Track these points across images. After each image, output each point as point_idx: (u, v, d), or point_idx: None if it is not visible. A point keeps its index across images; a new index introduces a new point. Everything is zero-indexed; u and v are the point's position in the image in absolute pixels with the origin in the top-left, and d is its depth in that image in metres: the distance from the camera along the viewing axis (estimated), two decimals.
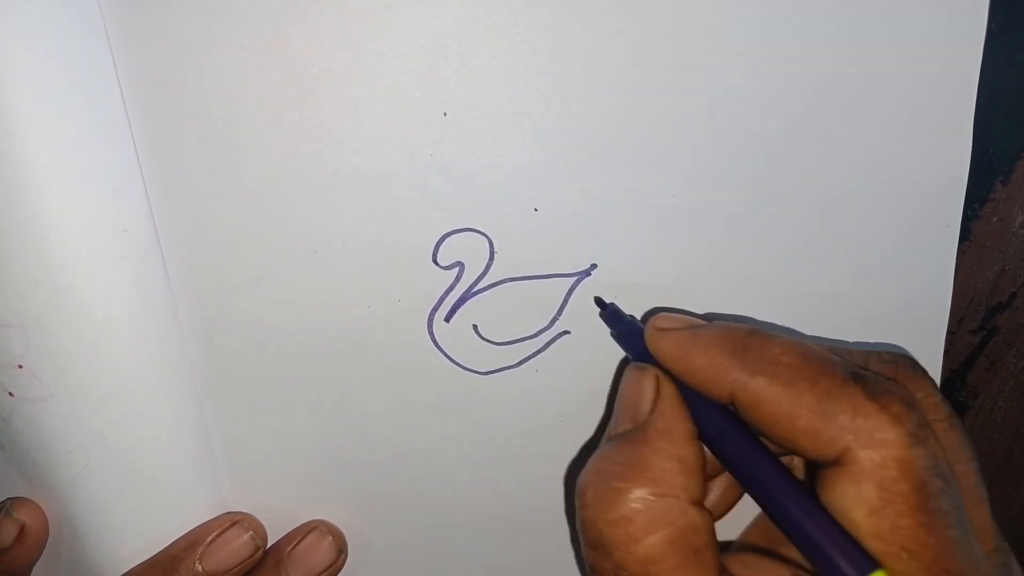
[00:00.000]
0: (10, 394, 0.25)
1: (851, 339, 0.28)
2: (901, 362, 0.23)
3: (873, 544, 0.19)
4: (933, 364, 0.29)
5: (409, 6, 0.24)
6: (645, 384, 0.23)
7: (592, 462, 0.22)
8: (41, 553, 0.28)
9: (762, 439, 0.22)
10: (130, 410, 0.26)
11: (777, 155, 0.26)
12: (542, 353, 0.28)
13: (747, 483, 0.22)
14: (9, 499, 0.28)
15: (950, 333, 0.29)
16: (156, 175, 0.25)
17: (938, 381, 0.29)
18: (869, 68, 0.25)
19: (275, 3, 0.24)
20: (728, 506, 0.27)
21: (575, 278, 0.27)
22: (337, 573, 0.30)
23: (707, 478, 0.23)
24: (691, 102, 0.25)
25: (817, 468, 0.21)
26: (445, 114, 0.25)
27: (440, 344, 0.28)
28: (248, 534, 0.29)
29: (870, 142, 0.26)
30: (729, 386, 0.21)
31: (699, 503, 0.21)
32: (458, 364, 0.28)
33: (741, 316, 0.28)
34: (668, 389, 0.23)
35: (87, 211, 0.24)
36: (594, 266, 0.27)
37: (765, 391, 0.20)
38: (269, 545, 0.30)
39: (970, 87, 0.25)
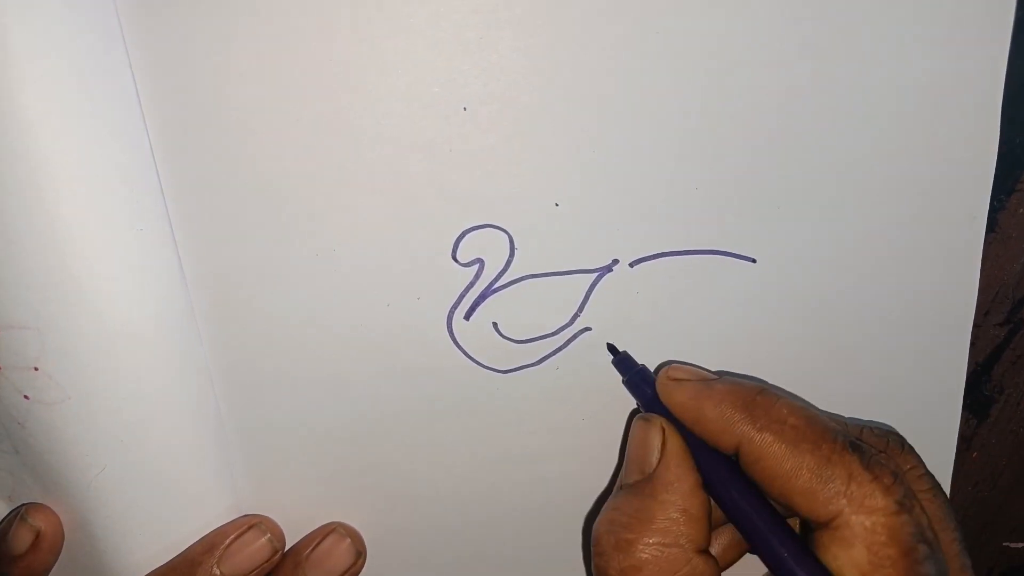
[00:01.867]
0: (25, 397, 0.25)
1: (877, 333, 0.28)
2: (891, 437, 0.25)
3: None
4: (959, 357, 0.29)
5: (428, 1, 0.24)
6: (652, 435, 0.24)
7: (605, 511, 0.24)
8: (56, 559, 0.28)
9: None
10: (147, 412, 0.26)
11: (802, 148, 0.25)
12: (563, 350, 0.28)
13: (748, 533, 0.23)
14: (24, 505, 0.28)
15: (976, 326, 0.29)
16: (172, 174, 0.25)
17: (964, 374, 0.29)
18: (896, 60, 0.25)
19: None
20: (736, 554, 0.28)
21: (596, 274, 0.27)
22: None
23: (712, 526, 0.24)
24: (714, 96, 0.25)
25: (809, 529, 0.22)
26: (465, 109, 0.25)
27: (459, 342, 0.27)
28: (266, 537, 0.28)
29: (897, 134, 0.25)
30: (736, 438, 0.23)
31: (704, 551, 0.23)
32: (478, 362, 0.28)
33: (766, 315, 0.27)
34: (674, 441, 0.24)
35: (103, 212, 0.24)
36: (616, 261, 0.27)
37: (770, 447, 0.22)
38: (287, 548, 0.30)
39: (997, 77, 0.25)
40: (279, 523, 0.29)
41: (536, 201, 0.26)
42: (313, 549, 0.29)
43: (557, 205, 0.26)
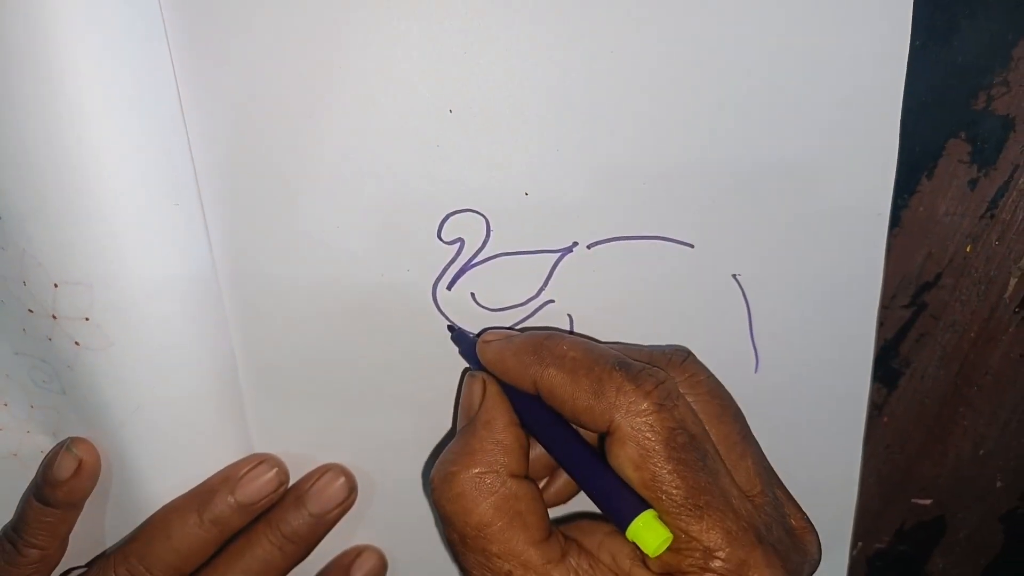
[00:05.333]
0: (76, 343, 0.29)
1: (796, 312, 0.33)
2: (675, 353, 0.29)
3: (642, 492, 0.25)
4: (867, 335, 0.33)
5: (421, 18, 0.28)
6: (475, 387, 0.29)
7: (440, 457, 0.28)
8: (95, 486, 0.32)
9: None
10: (177, 360, 0.30)
11: (733, 152, 0.30)
12: (530, 319, 0.32)
13: (555, 454, 0.27)
14: (69, 438, 0.32)
15: (884, 308, 0.33)
16: (202, 159, 0.29)
17: (872, 348, 0.34)
18: (812, 85, 0.29)
19: (311, 13, 0.28)
20: (571, 491, 0.32)
21: (559, 254, 0.31)
22: (348, 509, 0.34)
23: (529, 460, 0.28)
24: (658, 109, 0.29)
25: (601, 441, 0.26)
26: (450, 111, 0.29)
27: (442, 309, 0.32)
28: (273, 471, 0.33)
29: (814, 143, 0.30)
30: (531, 378, 0.27)
31: (519, 476, 0.27)
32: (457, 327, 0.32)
33: (700, 292, 0.32)
34: (492, 388, 0.29)
35: (147, 189, 0.28)
36: (575, 243, 0.31)
37: (555, 378, 0.26)
38: (291, 483, 0.34)
39: (896, 95, 0.29)
40: (284, 461, 0.34)
41: (509, 190, 0.30)
42: (313, 484, 0.33)
43: (527, 194, 0.30)
